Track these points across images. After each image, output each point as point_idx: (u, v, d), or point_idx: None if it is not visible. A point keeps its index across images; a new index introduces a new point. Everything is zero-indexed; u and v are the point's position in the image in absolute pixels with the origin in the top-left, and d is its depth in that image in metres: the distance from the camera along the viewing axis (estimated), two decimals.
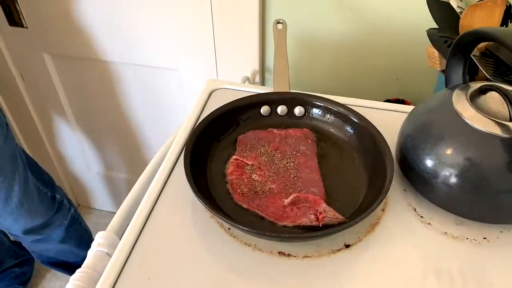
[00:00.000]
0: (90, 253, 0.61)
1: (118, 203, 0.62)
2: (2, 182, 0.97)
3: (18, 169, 1.02)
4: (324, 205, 0.55)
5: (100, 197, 1.68)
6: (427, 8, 0.80)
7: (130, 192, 0.71)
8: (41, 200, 1.10)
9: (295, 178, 0.60)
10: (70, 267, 1.34)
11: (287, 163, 0.62)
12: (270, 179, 0.60)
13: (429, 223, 0.58)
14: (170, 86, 1.20)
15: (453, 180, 0.54)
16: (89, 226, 1.69)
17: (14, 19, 1.15)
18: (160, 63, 1.15)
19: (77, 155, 1.51)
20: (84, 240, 1.33)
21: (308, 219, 0.54)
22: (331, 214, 0.54)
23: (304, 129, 0.68)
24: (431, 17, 0.81)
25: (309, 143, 0.65)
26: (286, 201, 0.56)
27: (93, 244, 0.62)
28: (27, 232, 1.10)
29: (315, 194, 0.57)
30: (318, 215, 0.54)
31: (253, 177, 0.60)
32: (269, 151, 0.63)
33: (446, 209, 0.58)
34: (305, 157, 0.63)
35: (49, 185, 1.17)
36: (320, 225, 0.54)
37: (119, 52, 1.15)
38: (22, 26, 1.16)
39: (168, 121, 1.29)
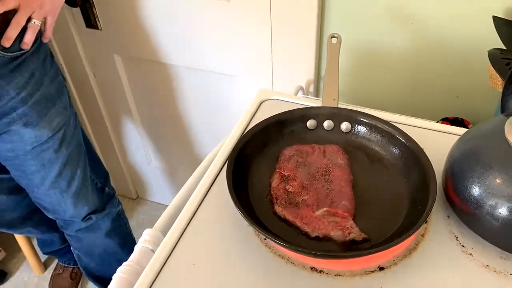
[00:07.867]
0: (136, 248, 0.65)
1: (174, 197, 0.68)
2: (69, 166, 1.04)
3: (82, 155, 1.08)
4: (351, 221, 0.56)
5: (157, 190, 1.77)
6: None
7: (178, 193, 0.75)
8: (94, 189, 1.16)
9: (328, 191, 0.61)
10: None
11: (321, 175, 0.63)
12: (303, 190, 0.61)
13: (470, 254, 0.56)
14: (228, 90, 1.24)
15: (499, 212, 0.52)
16: (145, 217, 1.78)
17: (91, 22, 1.25)
18: (219, 69, 1.20)
19: (139, 149, 1.60)
20: (127, 241, 1.35)
21: (335, 234, 0.55)
22: (356, 231, 0.55)
23: (335, 145, 0.67)
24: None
25: (346, 158, 0.65)
26: (317, 213, 0.58)
27: (140, 240, 0.66)
28: (84, 218, 1.15)
29: (345, 207, 0.58)
30: (344, 230, 0.55)
31: (287, 188, 0.61)
32: (306, 162, 0.64)
33: (490, 241, 0.55)
34: (341, 171, 0.63)
35: (103, 178, 1.23)
36: (347, 239, 0.55)
37: (182, 56, 1.21)
38: (97, 28, 1.26)
39: (223, 124, 1.34)
